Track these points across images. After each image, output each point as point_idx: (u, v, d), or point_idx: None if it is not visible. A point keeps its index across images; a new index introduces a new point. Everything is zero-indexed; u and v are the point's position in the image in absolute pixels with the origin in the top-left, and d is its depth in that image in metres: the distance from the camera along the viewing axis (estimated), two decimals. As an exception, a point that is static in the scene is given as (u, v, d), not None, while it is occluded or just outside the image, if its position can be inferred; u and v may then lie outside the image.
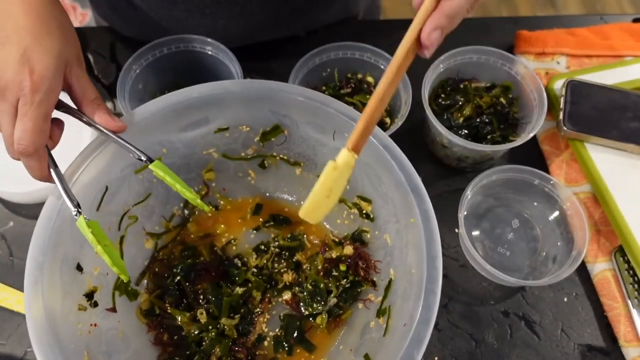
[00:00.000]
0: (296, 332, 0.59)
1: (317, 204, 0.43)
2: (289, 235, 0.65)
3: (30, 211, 0.69)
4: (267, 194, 0.68)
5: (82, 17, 1.44)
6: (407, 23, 0.42)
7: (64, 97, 0.50)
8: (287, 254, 0.64)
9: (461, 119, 0.69)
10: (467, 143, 0.63)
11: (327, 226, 0.65)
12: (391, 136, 0.53)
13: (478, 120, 0.69)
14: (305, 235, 0.65)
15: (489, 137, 0.68)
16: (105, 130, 0.50)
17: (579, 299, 0.64)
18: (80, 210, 0.48)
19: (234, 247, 0.65)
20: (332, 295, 0.59)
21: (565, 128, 0.68)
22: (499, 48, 0.69)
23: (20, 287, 0.64)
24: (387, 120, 0.69)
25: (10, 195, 0.66)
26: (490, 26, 0.83)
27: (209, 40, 0.70)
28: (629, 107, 0.69)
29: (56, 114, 0.48)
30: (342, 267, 0.61)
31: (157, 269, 0.63)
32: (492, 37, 0.80)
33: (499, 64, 0.70)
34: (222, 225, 0.66)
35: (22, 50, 0.44)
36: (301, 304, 0.60)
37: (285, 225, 0.66)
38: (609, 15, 0.84)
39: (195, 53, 0.71)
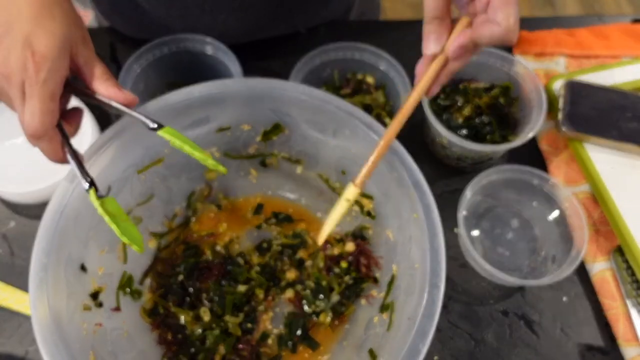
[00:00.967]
0: (300, 330, 0.60)
1: (329, 232, 0.52)
2: (290, 233, 0.65)
3: (31, 211, 0.69)
4: (269, 192, 0.68)
5: (83, 18, 1.43)
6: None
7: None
8: (289, 251, 0.64)
9: (461, 120, 0.70)
10: (466, 143, 0.63)
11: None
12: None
13: (477, 120, 0.69)
14: (307, 233, 0.65)
15: (488, 137, 0.69)
16: (115, 105, 0.49)
17: (578, 299, 0.64)
18: (95, 185, 0.47)
19: (237, 246, 0.65)
20: (334, 292, 0.60)
21: (564, 128, 0.68)
22: (498, 49, 0.69)
23: (21, 287, 0.64)
24: (388, 120, 0.69)
25: (11, 195, 0.66)
26: (489, 27, 0.83)
27: (209, 39, 0.70)
28: (628, 107, 0.69)
29: (74, 102, 0.48)
30: (344, 264, 0.61)
31: (160, 269, 0.63)
32: (492, 37, 0.80)
33: (498, 64, 0.70)
34: (224, 224, 0.66)
35: (24, 37, 0.44)
36: (304, 301, 0.61)
37: (287, 223, 0.66)
38: (608, 15, 0.84)
39: (196, 52, 0.71)
